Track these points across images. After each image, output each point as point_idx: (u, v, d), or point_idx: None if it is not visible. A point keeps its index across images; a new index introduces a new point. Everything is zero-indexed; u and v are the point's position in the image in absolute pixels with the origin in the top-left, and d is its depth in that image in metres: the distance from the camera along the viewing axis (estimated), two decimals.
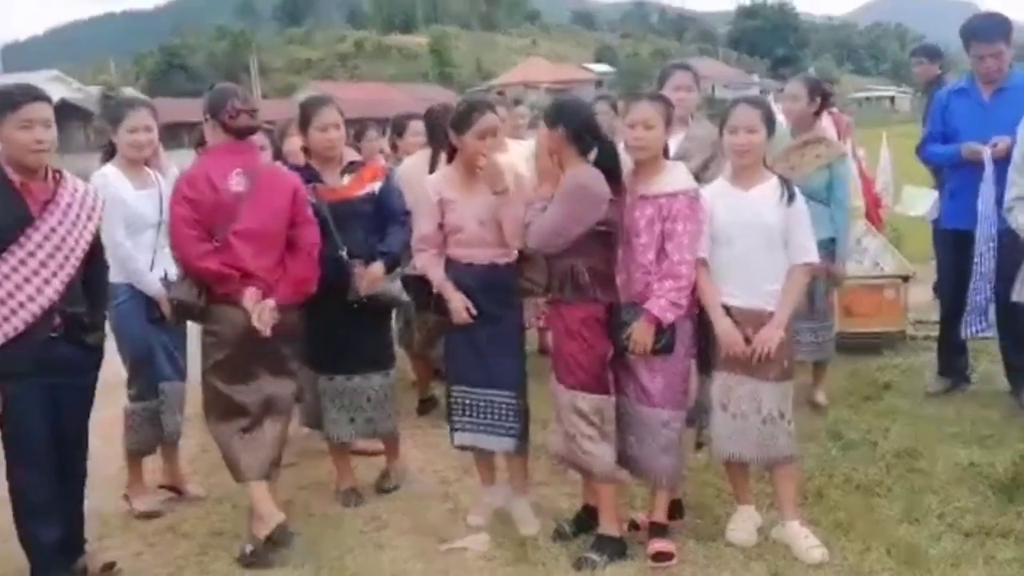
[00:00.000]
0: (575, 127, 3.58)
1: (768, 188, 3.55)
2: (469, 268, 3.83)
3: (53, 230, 3.28)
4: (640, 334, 3.48)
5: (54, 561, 3.45)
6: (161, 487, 4.42)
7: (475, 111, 3.78)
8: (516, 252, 3.82)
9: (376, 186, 4.22)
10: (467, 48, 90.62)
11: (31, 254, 3.23)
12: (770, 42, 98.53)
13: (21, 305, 3.20)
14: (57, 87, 49.48)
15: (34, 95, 3.28)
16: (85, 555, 3.64)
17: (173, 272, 3.97)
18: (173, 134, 15.72)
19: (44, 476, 3.38)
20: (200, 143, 4.58)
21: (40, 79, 53.35)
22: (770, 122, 3.58)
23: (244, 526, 3.99)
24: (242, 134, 3.81)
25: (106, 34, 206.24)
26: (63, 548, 3.55)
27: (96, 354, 3.53)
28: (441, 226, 3.88)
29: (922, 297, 6.50)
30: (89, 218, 3.41)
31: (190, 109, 4.41)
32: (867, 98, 79.16)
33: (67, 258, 3.30)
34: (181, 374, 4.27)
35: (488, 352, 3.83)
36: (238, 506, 4.20)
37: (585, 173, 3.58)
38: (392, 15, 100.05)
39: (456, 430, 3.96)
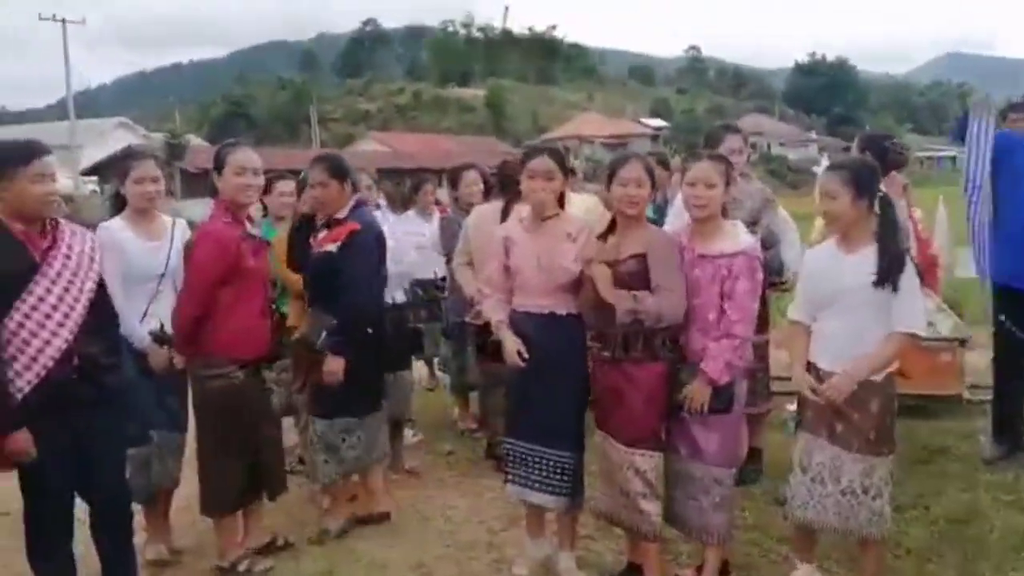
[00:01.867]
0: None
1: (869, 253, 3.42)
2: (528, 317, 3.83)
3: (59, 274, 3.33)
4: (698, 394, 3.51)
5: None
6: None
7: (529, 155, 3.91)
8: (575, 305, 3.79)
9: (334, 247, 4.26)
10: (523, 101, 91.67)
11: (41, 299, 3.28)
12: (828, 100, 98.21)
13: (40, 351, 3.26)
14: (124, 134, 51.18)
15: (44, 150, 3.37)
16: None
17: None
18: None
19: (57, 518, 3.44)
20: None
21: (108, 126, 55.45)
22: (857, 185, 3.43)
23: (287, 569, 4.08)
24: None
25: (173, 83, 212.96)
26: None
27: (118, 394, 3.53)
28: (507, 270, 3.92)
29: (980, 361, 6.39)
30: (92, 260, 3.45)
31: None
32: (928, 158, 78.22)
33: (76, 300, 3.35)
34: (176, 424, 4.22)
35: (544, 408, 3.79)
36: (291, 548, 4.30)
37: (663, 231, 3.77)
38: (450, 68, 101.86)
39: (508, 481, 3.96)
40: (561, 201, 3.93)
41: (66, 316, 3.31)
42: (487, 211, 5.20)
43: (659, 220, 5.54)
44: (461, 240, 5.36)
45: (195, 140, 53.37)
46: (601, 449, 3.73)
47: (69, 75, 38.84)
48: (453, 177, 6.06)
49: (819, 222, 4.59)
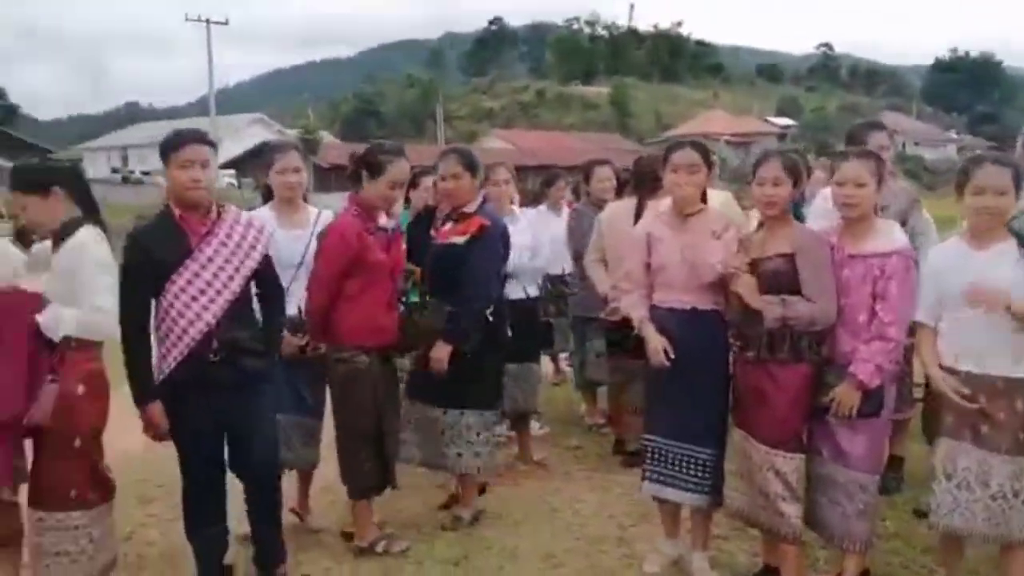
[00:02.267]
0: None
1: (1005, 248, 3.31)
2: (671, 313, 3.78)
3: (210, 259, 3.47)
4: (846, 398, 3.42)
5: (212, 568, 3.71)
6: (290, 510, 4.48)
7: (672, 148, 3.87)
8: (722, 301, 3.74)
9: (461, 240, 4.27)
10: (647, 99, 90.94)
11: (189, 282, 3.43)
12: (970, 97, 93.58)
13: (184, 331, 3.43)
14: (260, 130, 53.32)
15: (195, 137, 3.52)
16: (284, 565, 3.87)
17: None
18: None
19: (206, 492, 3.64)
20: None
21: (244, 122, 57.79)
22: (1018, 184, 3.31)
23: (422, 552, 4.17)
24: None
25: (306, 80, 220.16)
26: (263, 557, 3.82)
27: (261, 379, 3.63)
28: (648, 267, 3.88)
29: None
30: (252, 247, 3.58)
31: None
32: None
33: (225, 286, 3.48)
34: (304, 409, 4.32)
35: (686, 404, 3.74)
36: (423, 531, 4.40)
37: (812, 230, 3.69)
38: (574, 66, 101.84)
39: (645, 479, 3.91)
40: (703, 197, 3.88)
41: (211, 300, 3.45)
42: (621, 208, 5.20)
43: (797, 218, 5.42)
44: (594, 236, 5.35)
45: (327, 136, 55.01)
46: (741, 448, 3.66)
47: (212, 73, 40.58)
48: (586, 172, 6.06)
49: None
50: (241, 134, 49.99)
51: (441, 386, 4.32)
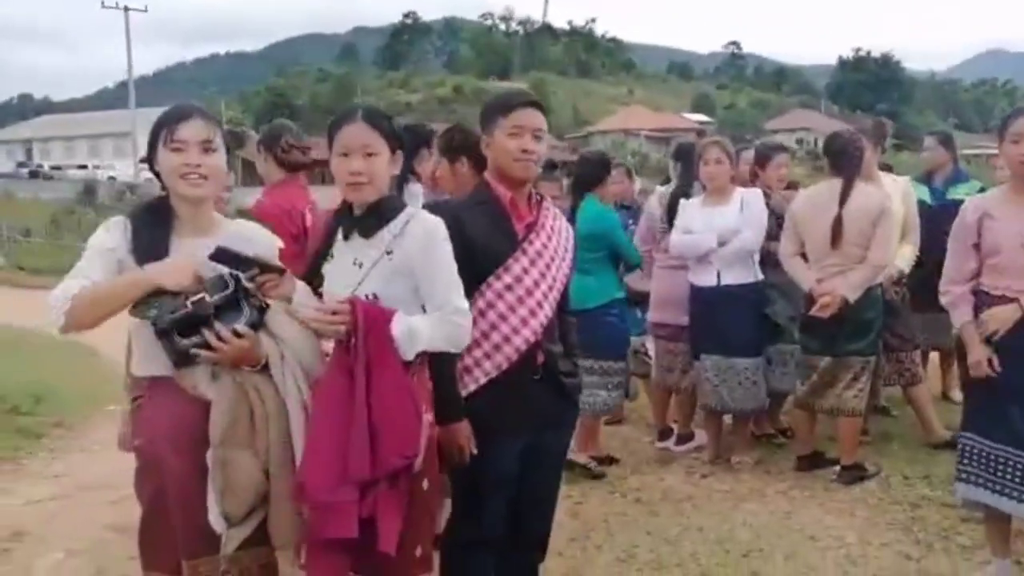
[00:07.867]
0: None
1: None
2: (1003, 302, 3.23)
3: (539, 255, 2.76)
4: None
5: None
6: None
7: (1015, 117, 3.27)
8: None
9: None
10: (564, 95, 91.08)
11: (518, 280, 2.71)
12: (872, 96, 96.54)
13: (505, 339, 2.68)
14: None
15: (528, 100, 2.76)
16: None
17: None
18: None
19: (486, 548, 2.81)
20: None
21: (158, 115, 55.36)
22: None
23: None
24: (294, 168, 4.00)
25: (211, 74, 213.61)
26: None
27: (574, 407, 2.99)
28: (976, 247, 3.31)
29: None
30: (567, 249, 2.89)
31: None
32: (976, 155, 76.89)
33: (551, 288, 2.77)
34: None
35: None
36: None
37: None
38: (490, 62, 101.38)
39: (962, 480, 3.37)
40: None
41: (538, 305, 2.73)
42: (820, 193, 4.58)
43: None
44: (788, 228, 4.67)
45: (252, 131, 53.11)
46: None
47: (131, 62, 38.47)
48: (760, 158, 5.30)
49: None
50: None
51: None
